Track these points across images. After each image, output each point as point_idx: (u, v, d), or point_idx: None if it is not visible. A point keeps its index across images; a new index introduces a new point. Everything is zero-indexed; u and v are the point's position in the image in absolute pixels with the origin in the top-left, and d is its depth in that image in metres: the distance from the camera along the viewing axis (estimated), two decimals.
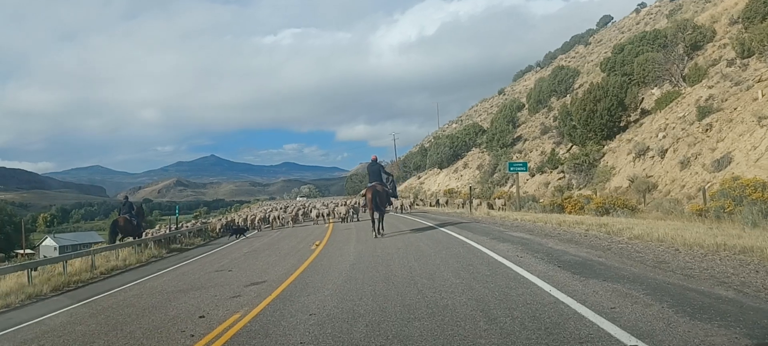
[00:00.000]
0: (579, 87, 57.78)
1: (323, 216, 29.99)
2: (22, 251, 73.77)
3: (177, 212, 25.09)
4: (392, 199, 18.77)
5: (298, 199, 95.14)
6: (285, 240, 18.44)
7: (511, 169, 27.78)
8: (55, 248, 76.63)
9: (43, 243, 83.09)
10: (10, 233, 79.68)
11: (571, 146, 41.63)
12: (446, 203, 38.89)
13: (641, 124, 35.37)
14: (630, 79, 39.90)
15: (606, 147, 33.87)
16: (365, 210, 19.31)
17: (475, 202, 38.67)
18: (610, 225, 12.03)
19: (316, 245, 14.89)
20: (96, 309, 8.67)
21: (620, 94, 36.93)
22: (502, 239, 11.71)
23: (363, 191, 19.18)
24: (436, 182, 65.69)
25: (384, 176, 17.31)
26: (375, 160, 17.69)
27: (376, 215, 16.20)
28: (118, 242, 19.54)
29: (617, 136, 36.04)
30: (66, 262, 13.14)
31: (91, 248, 16.39)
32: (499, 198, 40.56)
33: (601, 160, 33.04)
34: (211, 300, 7.96)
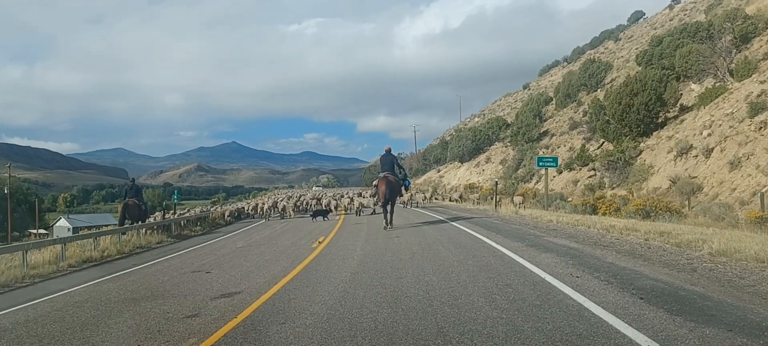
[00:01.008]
0: (611, 82, 54.81)
1: (332, 209, 28.13)
2: (35, 231, 73.50)
3: (176, 197, 23.24)
4: (403, 190, 18.76)
5: (314, 189, 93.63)
6: (287, 234, 16.46)
7: (540, 164, 25.42)
8: (68, 229, 76.06)
9: (58, 224, 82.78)
10: (24, 213, 79.48)
11: (603, 143, 38.96)
12: (475, 199, 36.50)
13: (682, 121, 32.56)
14: (670, 72, 37.00)
15: (643, 144, 31.18)
16: (377, 202, 18.80)
17: (518, 199, 36.30)
18: (675, 234, 9.73)
19: (319, 243, 12.87)
20: None
21: (659, 88, 34.09)
22: (543, 248, 9.48)
23: (375, 182, 18.99)
24: (457, 175, 63.30)
25: (396, 168, 17.17)
26: (389, 152, 17.76)
27: (388, 207, 16.14)
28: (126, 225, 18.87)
29: (655, 133, 33.29)
30: (26, 251, 11.25)
31: (66, 236, 14.52)
32: (520, 195, 38.24)
33: (638, 158, 30.40)
34: (156, 321, 5.91)
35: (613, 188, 30.77)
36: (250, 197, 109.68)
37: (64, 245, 12.78)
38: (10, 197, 61.72)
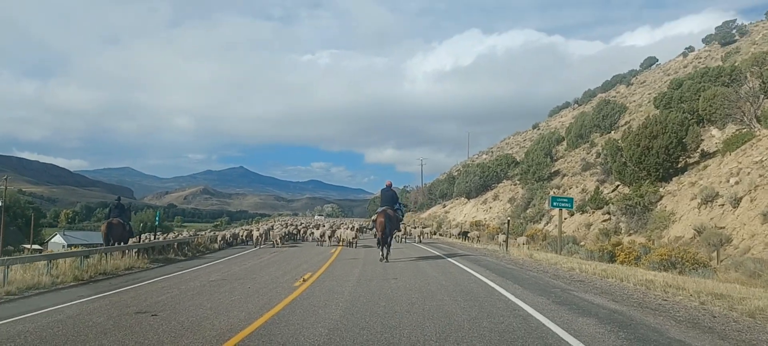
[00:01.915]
0: (625, 124, 53.22)
1: (327, 238, 26.52)
2: (28, 246, 71.75)
3: (158, 219, 21.52)
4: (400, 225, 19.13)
5: (316, 217, 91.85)
6: (271, 267, 14.59)
7: (554, 204, 23.55)
8: (63, 246, 74.21)
9: (53, 240, 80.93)
10: (21, 227, 77.84)
11: (617, 186, 37.10)
12: (477, 237, 34.45)
13: (705, 167, 30.67)
14: (690, 116, 35.29)
15: (663, 189, 29.25)
16: (375, 235, 18.91)
17: (501, 237, 34.33)
18: (738, 299, 7.81)
19: (303, 280, 11.00)
20: None
21: (680, 131, 32.33)
22: (576, 308, 7.55)
23: (374, 216, 19.47)
24: (463, 212, 61.31)
25: (396, 204, 17.60)
26: (389, 186, 18.10)
27: (387, 240, 16.49)
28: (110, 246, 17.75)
29: (674, 179, 31.39)
30: None
31: (12, 258, 12.69)
32: (528, 236, 36.23)
33: (658, 203, 28.43)
34: None
35: (629, 234, 28.74)
36: (253, 222, 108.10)
37: (8, 267, 10.97)
38: (4, 210, 60.35)
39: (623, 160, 33.75)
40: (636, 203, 27.70)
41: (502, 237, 34.25)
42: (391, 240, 16.98)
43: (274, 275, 12.34)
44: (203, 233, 35.94)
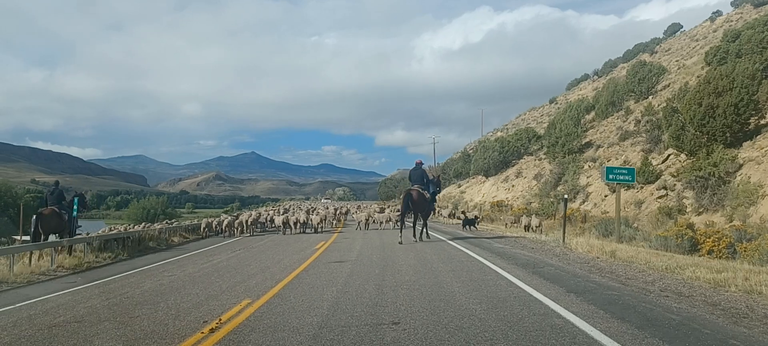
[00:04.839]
0: (664, 88, 46.98)
1: (299, 223, 22.30)
2: (19, 237, 67.64)
3: (76, 206, 16.51)
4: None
5: (323, 200, 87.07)
6: (255, 260, 9.77)
7: (611, 177, 17.94)
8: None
9: None
10: (12, 218, 73.72)
11: (669, 155, 31.23)
12: (508, 223, 28.93)
13: None
14: (762, 69, 29.13)
15: (743, 155, 23.36)
16: (409, 215, 17.85)
17: (526, 220, 28.72)
18: None
19: (239, 310, 5.67)
20: None
21: (751, 86, 26.28)
22: None
23: (402, 195, 18.96)
24: (481, 191, 55.63)
25: (427, 182, 17.18)
26: (419, 165, 17.59)
27: (419, 221, 16.87)
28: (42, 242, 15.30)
29: (747, 143, 25.48)
30: None
31: None
32: (561, 217, 30.79)
33: (736, 174, 22.58)
34: None
35: (699, 213, 22.93)
36: (263, 206, 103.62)
37: None
38: None
39: (681, 123, 27.79)
40: (710, 173, 21.87)
41: (531, 220, 28.65)
42: (425, 221, 17.23)
43: (215, 290, 6.96)
44: (192, 222, 31.27)
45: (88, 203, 22.52)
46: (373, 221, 27.12)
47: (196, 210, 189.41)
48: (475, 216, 29.42)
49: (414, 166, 17.44)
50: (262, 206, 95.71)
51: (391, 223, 26.57)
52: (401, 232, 15.97)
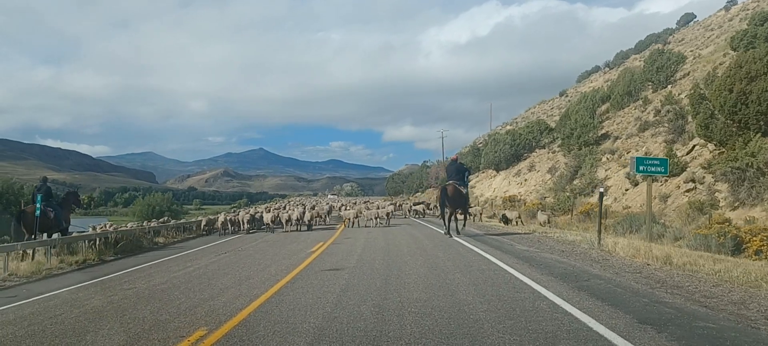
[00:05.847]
0: (683, 77, 44.85)
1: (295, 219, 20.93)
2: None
3: (39, 202, 14.94)
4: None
5: (329, 196, 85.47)
6: (237, 266, 8.64)
7: (641, 169, 16.07)
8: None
9: None
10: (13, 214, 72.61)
11: (694, 146, 29.29)
12: (517, 219, 27.20)
13: None
14: None
15: None
16: (447, 209, 17.33)
17: (542, 216, 26.96)
18: None
19: (229, 320, 3.98)
20: None
21: None
22: None
23: (438, 191, 19.63)
24: (492, 186, 53.74)
25: (462, 176, 17.23)
26: (455, 160, 18.14)
27: (458, 214, 17.06)
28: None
29: None
30: None
31: None
32: (580, 212, 29.08)
33: None
34: None
35: (735, 208, 21.00)
36: (270, 202, 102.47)
37: None
38: None
39: (709, 111, 25.77)
40: (747, 163, 19.92)
41: (542, 217, 26.86)
42: (465, 215, 17.83)
43: (227, 283, 5.36)
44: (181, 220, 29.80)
45: (81, 201, 21.75)
46: (365, 218, 25.12)
47: (204, 207, 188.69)
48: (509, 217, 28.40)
49: (450, 161, 17.88)
50: (270, 202, 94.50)
51: (384, 220, 24.65)
52: (447, 225, 16.39)
